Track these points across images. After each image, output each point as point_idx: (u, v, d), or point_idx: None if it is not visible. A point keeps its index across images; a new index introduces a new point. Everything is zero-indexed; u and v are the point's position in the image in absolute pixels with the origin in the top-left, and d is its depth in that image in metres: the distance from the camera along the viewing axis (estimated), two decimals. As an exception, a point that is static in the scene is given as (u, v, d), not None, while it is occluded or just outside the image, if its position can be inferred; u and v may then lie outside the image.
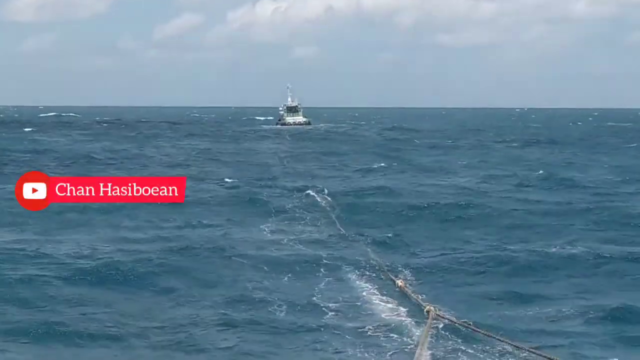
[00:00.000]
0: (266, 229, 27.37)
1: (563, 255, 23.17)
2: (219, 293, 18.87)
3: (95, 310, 17.02)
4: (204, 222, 28.47)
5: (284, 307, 17.84)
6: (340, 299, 18.61)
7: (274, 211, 30.82)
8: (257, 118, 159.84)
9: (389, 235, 27.07)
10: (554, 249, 23.95)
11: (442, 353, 14.63)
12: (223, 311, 17.34)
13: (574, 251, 23.63)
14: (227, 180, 40.96)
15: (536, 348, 14.52)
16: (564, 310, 17.81)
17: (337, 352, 14.96)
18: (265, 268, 21.49)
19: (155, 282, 19.53)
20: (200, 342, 15.37)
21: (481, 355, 14.47)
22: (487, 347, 14.95)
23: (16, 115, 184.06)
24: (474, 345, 15.06)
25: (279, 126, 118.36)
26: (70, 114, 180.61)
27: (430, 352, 14.54)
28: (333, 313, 17.53)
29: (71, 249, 22.58)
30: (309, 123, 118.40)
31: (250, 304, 17.99)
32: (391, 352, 14.89)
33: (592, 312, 17.48)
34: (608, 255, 23.08)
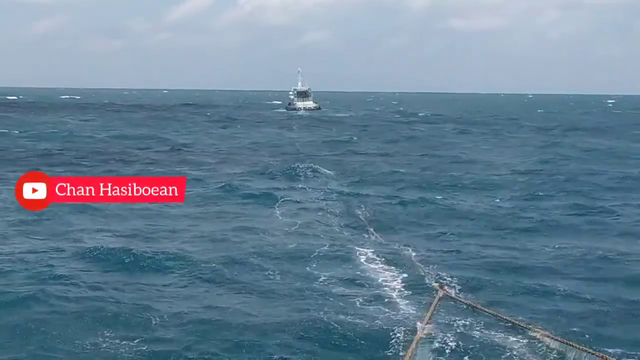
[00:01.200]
0: (277, 213, 27.42)
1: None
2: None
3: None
4: (219, 208, 28.48)
5: (278, 274, 18.31)
6: (342, 272, 18.74)
7: (284, 198, 30.49)
8: (268, 102, 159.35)
9: (404, 215, 27.09)
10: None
11: (446, 331, 14.58)
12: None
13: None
14: (240, 169, 40.46)
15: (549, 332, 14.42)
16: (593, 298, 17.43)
17: (332, 322, 14.88)
18: (270, 240, 22.04)
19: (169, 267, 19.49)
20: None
21: (488, 337, 14.34)
22: (495, 328, 14.88)
23: (21, 96, 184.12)
24: (481, 325, 15.00)
25: (289, 111, 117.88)
26: (78, 97, 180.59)
27: (434, 328, 14.56)
28: (327, 280, 17.67)
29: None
30: (319, 108, 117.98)
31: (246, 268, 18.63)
32: (393, 326, 14.84)
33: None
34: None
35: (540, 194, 32.16)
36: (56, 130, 66.37)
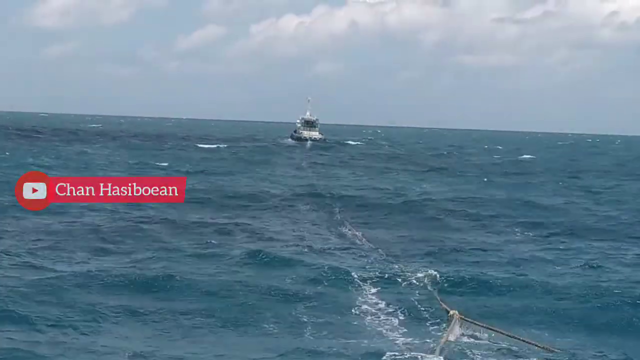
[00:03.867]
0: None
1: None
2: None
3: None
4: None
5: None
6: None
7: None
8: (281, 137, 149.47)
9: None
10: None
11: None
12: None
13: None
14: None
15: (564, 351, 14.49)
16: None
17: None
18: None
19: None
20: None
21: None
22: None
23: (16, 120, 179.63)
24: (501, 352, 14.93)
25: (294, 141, 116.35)
26: (92, 125, 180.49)
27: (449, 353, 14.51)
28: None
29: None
30: (324, 140, 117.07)
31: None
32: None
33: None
34: None
35: None
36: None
